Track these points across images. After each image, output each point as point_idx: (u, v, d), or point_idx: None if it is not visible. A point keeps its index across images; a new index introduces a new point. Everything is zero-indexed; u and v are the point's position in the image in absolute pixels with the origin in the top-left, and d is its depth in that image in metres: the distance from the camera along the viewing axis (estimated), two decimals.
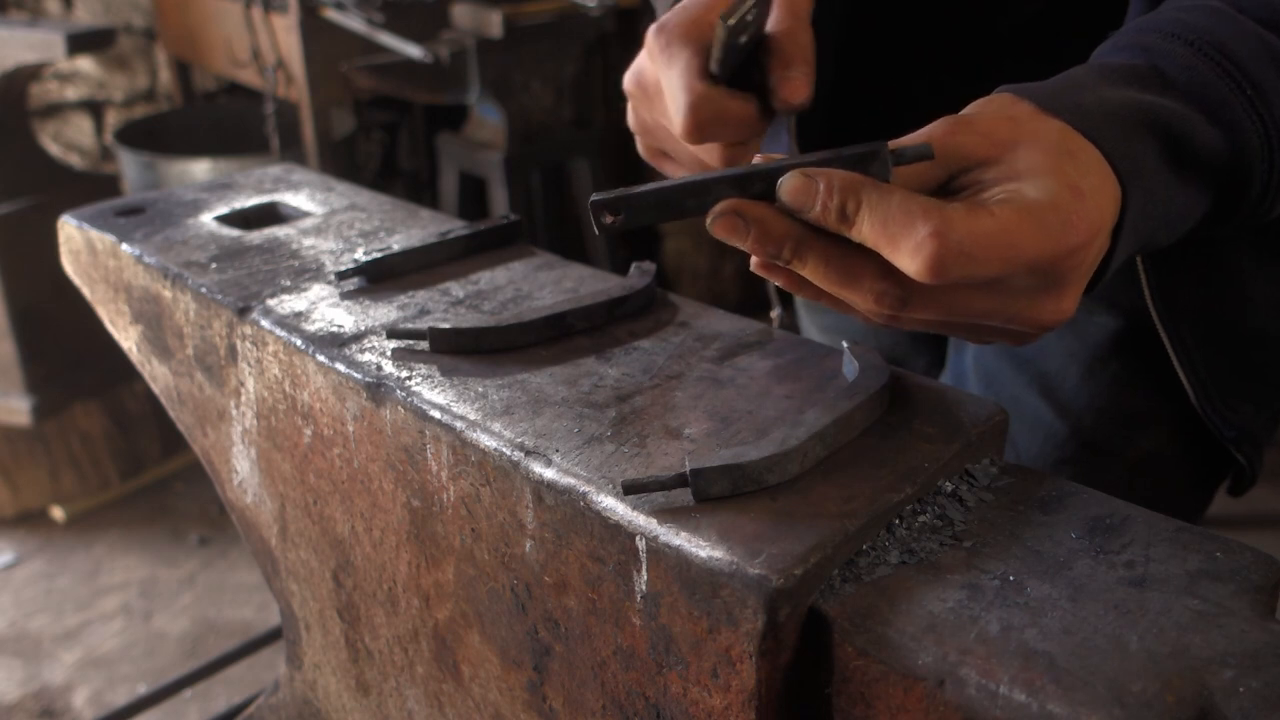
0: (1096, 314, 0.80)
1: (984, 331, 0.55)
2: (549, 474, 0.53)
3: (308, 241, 0.84)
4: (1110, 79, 0.55)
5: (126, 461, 2.59)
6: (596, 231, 0.54)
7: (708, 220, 0.52)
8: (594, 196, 0.53)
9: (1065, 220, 0.48)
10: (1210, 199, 0.56)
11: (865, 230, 0.49)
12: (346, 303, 0.73)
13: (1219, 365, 0.76)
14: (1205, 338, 0.75)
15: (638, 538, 0.49)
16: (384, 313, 0.72)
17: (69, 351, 2.38)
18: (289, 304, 0.73)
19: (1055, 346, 0.82)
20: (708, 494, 0.50)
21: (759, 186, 0.52)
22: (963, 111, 0.54)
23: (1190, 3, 0.58)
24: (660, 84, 0.60)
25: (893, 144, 0.51)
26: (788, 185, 0.50)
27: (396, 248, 0.78)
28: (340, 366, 0.65)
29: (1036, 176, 0.49)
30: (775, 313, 1.04)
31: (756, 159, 0.54)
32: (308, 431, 0.69)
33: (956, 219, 0.47)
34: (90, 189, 2.28)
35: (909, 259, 0.47)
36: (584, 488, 0.52)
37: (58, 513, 2.49)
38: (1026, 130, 0.51)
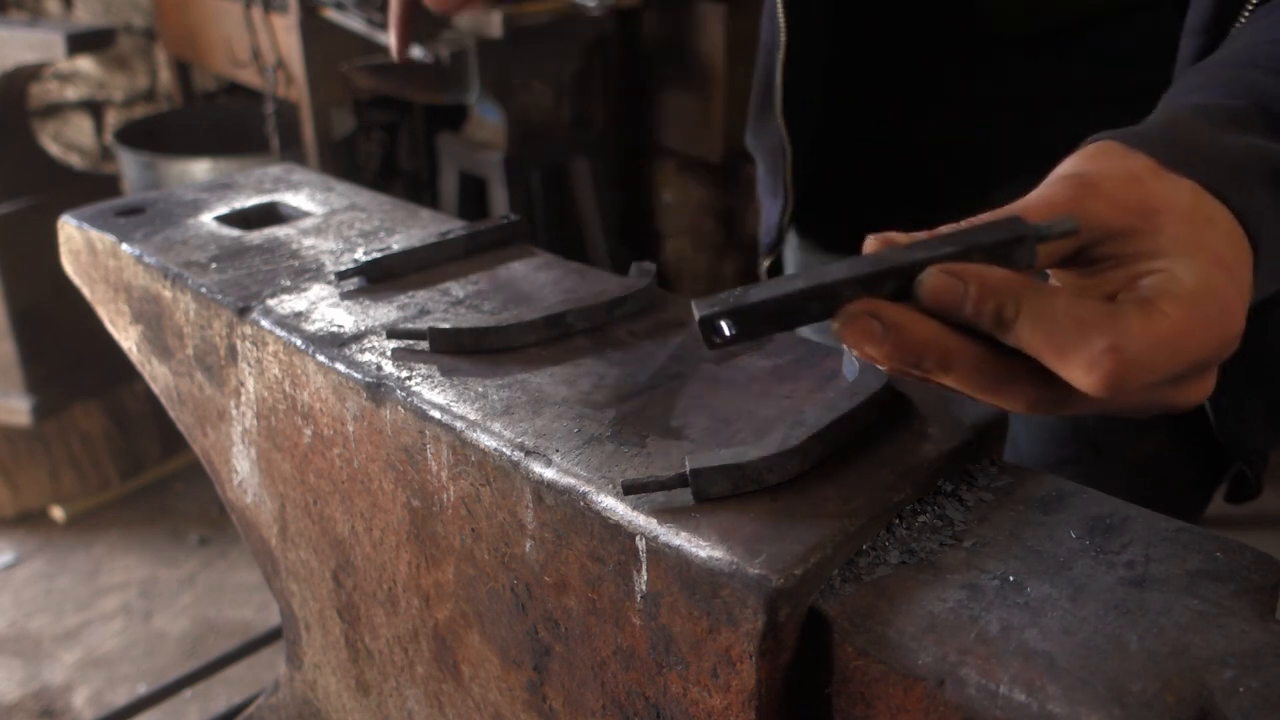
0: None
1: (1119, 413, 0.50)
2: (549, 474, 0.53)
3: (308, 241, 0.84)
4: (1218, 122, 0.51)
5: (126, 461, 2.59)
6: (708, 348, 0.48)
7: (834, 325, 0.46)
8: (702, 311, 0.47)
9: (1224, 307, 0.45)
10: None
11: (1026, 338, 0.44)
12: (346, 303, 0.73)
13: (1238, 385, 0.75)
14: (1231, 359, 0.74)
15: (638, 538, 0.49)
16: (384, 313, 0.72)
17: (69, 351, 2.38)
18: (289, 304, 0.73)
19: None
20: (708, 494, 0.50)
21: (892, 285, 0.46)
22: (1070, 168, 0.49)
23: (1277, 28, 0.54)
24: None
25: (1028, 215, 0.46)
26: (930, 285, 0.45)
27: (396, 248, 0.78)
28: (340, 366, 0.65)
29: (1185, 255, 0.45)
30: None
31: (880, 247, 0.48)
32: (308, 431, 0.69)
33: (1134, 328, 0.43)
34: (90, 189, 2.28)
35: (1082, 374, 0.43)
36: (584, 488, 0.52)
37: (58, 513, 2.49)
38: (1156, 194, 0.47)
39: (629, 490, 0.50)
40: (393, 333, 0.66)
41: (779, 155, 0.91)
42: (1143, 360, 0.43)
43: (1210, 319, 0.44)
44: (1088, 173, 0.48)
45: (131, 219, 0.88)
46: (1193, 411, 0.75)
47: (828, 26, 0.86)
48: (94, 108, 3.03)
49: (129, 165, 2.43)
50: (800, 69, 0.86)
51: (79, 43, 2.13)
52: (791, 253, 1.08)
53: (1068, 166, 0.50)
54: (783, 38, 0.85)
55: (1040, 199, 0.47)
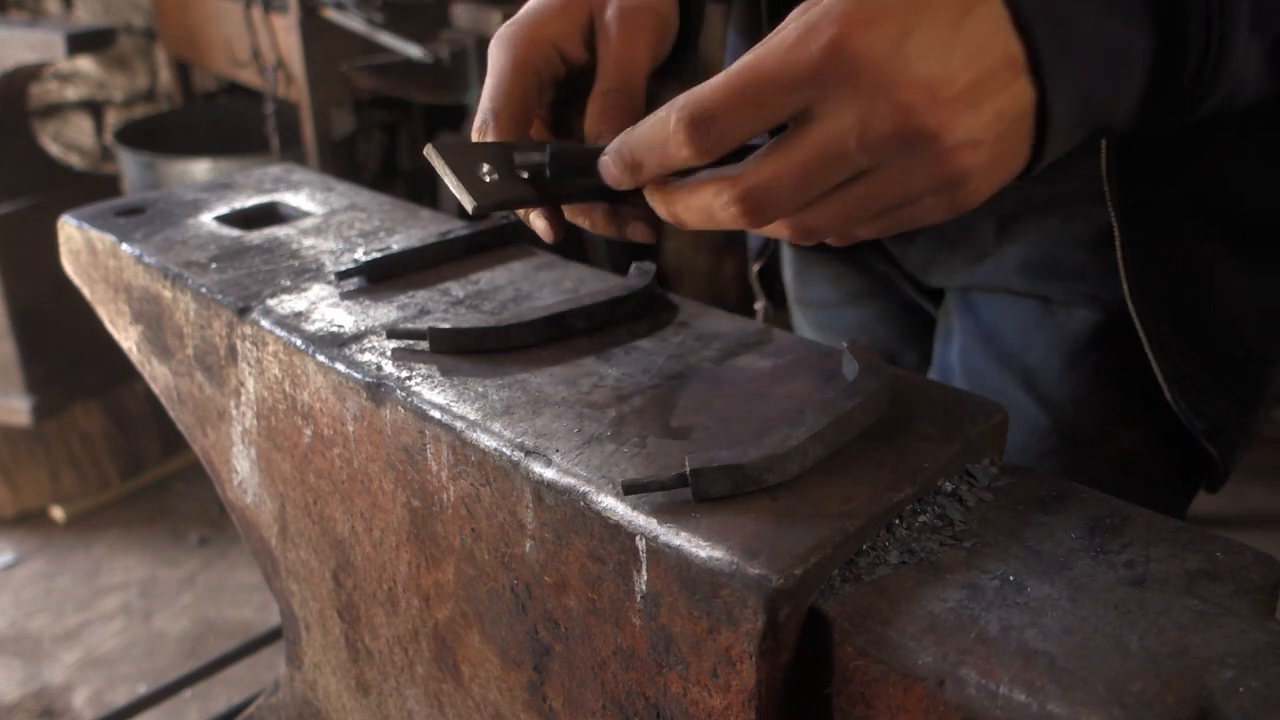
0: (1077, 308, 0.80)
1: (902, 217, 0.51)
2: (549, 474, 0.53)
3: (308, 241, 0.84)
4: None
5: (126, 461, 2.59)
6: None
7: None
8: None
9: (806, 24, 0.45)
10: (1149, 41, 0.49)
11: (646, 162, 0.51)
12: (346, 303, 0.73)
13: (1192, 357, 0.76)
14: (1180, 329, 0.75)
15: (638, 538, 0.49)
16: (384, 313, 0.72)
17: (69, 351, 2.38)
18: (289, 304, 0.73)
19: (1038, 341, 0.83)
20: (708, 494, 0.50)
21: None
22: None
23: None
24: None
25: (763, 61, 0.49)
26: (606, 174, 0.54)
27: (396, 248, 0.78)
28: (340, 366, 0.65)
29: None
30: (759, 304, 1.04)
31: None
32: (308, 431, 0.69)
33: (752, 163, 0.48)
34: (90, 189, 2.28)
35: (676, 149, 0.49)
36: (584, 488, 0.52)
37: (58, 513, 2.49)
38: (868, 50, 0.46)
39: (629, 490, 0.50)
40: (393, 333, 0.66)
41: None
42: (770, 184, 0.48)
43: (781, 41, 0.46)
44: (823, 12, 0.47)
45: (131, 219, 0.88)
46: (1163, 400, 0.76)
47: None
48: (94, 108, 3.03)
49: (129, 165, 2.43)
50: None
51: (79, 43, 2.13)
52: (786, 255, 1.08)
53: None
54: (764, 18, 0.85)
55: (778, 42, 0.47)
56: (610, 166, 0.53)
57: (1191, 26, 0.49)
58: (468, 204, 0.57)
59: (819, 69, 0.45)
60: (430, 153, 0.58)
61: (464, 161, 0.58)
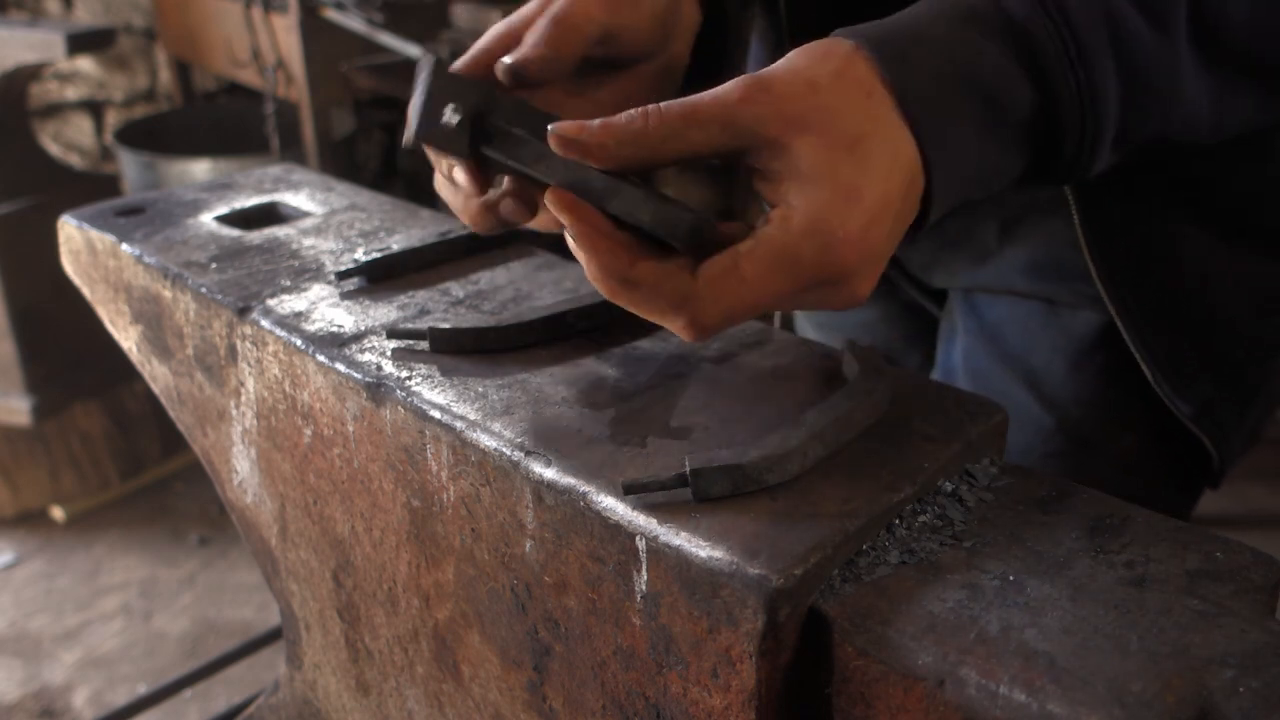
0: (1082, 310, 0.80)
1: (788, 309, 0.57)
2: (549, 474, 0.53)
3: (308, 241, 0.84)
4: (951, 20, 0.54)
5: (126, 461, 2.59)
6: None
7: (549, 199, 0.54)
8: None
9: (826, 243, 0.50)
10: (1027, 157, 0.56)
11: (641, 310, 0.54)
12: (346, 303, 0.73)
13: (1173, 341, 0.76)
14: (1156, 313, 0.75)
15: (638, 538, 0.49)
16: (384, 313, 0.72)
17: (69, 351, 2.38)
18: (289, 304, 0.73)
19: (1042, 342, 0.82)
20: (708, 494, 0.50)
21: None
22: (775, 64, 0.53)
23: None
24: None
25: (699, 110, 0.51)
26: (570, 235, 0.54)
27: (396, 248, 0.78)
28: (340, 366, 0.65)
29: (809, 184, 0.50)
30: None
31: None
32: (308, 431, 0.69)
33: (705, 304, 0.51)
34: (90, 189, 2.28)
35: (679, 333, 0.53)
36: (584, 488, 0.52)
37: (58, 513, 2.49)
38: (820, 106, 0.51)
39: (629, 490, 0.50)
40: (393, 333, 0.66)
41: None
42: (717, 324, 0.52)
43: (801, 264, 0.50)
44: (771, 74, 0.52)
45: (131, 219, 0.88)
46: (1169, 404, 0.76)
47: (826, 29, 0.87)
48: (94, 108, 3.03)
49: (129, 165, 2.43)
50: None
51: (79, 43, 2.13)
52: None
53: (775, 64, 0.53)
54: (787, 40, 0.85)
55: (714, 96, 0.51)
56: (607, 285, 0.54)
57: (1064, 155, 0.56)
58: (408, 136, 0.58)
59: (810, 284, 0.52)
60: (423, 60, 0.58)
61: (444, 87, 0.58)
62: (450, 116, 0.58)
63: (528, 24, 0.64)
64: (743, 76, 0.52)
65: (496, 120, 0.58)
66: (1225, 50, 0.56)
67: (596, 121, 0.52)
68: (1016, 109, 0.54)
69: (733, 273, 0.51)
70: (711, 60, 0.74)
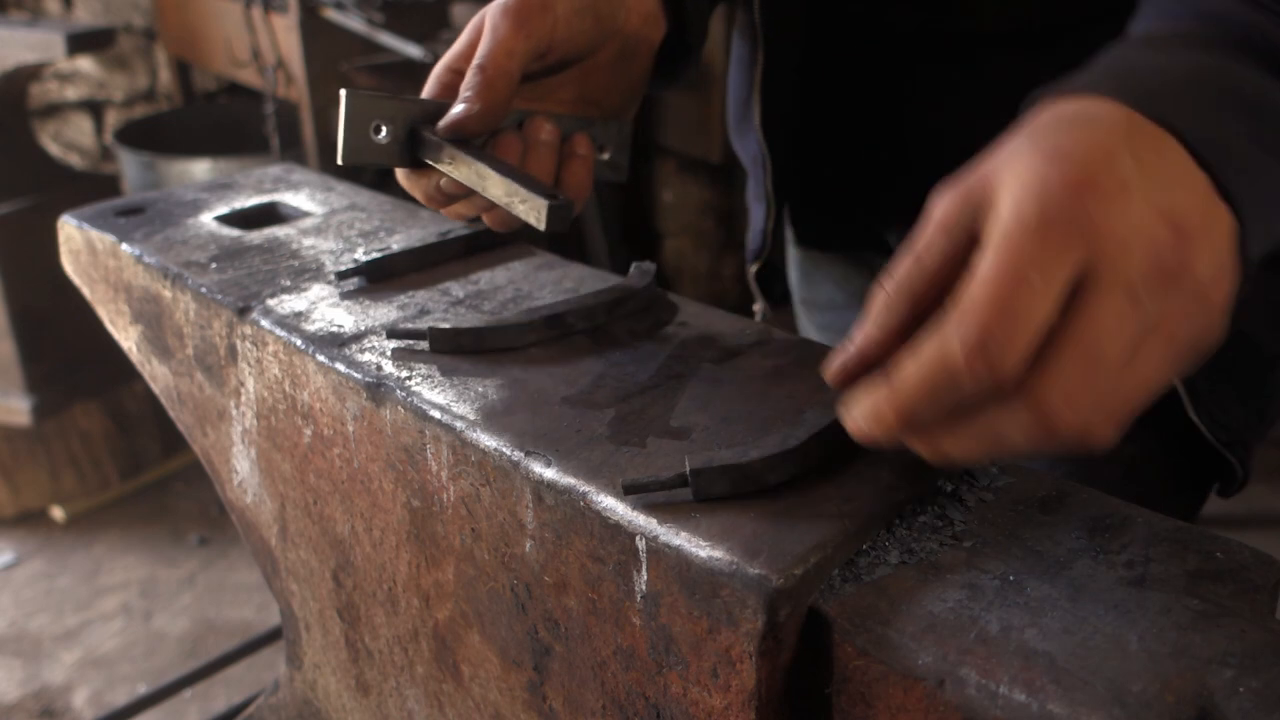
0: None
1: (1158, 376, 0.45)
2: (549, 474, 0.53)
3: (308, 241, 0.84)
4: (1162, 48, 0.48)
5: (126, 461, 2.59)
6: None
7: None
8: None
9: (1044, 202, 0.41)
10: None
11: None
12: (346, 303, 0.73)
13: (1209, 368, 0.76)
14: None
15: (638, 538, 0.49)
16: (384, 313, 0.72)
17: (69, 351, 2.38)
18: (289, 304, 0.73)
19: None
20: (708, 494, 0.50)
21: None
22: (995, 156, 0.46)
23: None
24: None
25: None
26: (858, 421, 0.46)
27: (396, 248, 0.78)
28: (340, 366, 0.65)
29: (1008, 175, 0.43)
30: (758, 306, 1.04)
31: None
32: (308, 431, 0.69)
33: (906, 375, 0.43)
34: (90, 189, 2.28)
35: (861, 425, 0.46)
36: (584, 488, 0.52)
37: (58, 513, 2.49)
38: (1013, 147, 0.44)
39: (629, 490, 0.50)
40: (393, 333, 0.66)
41: (759, 165, 0.91)
42: (908, 407, 0.43)
43: (1039, 237, 0.41)
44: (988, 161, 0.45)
45: (131, 219, 0.88)
46: (1175, 406, 0.75)
47: (802, 36, 0.87)
48: (94, 108, 3.03)
49: (129, 165, 2.43)
50: (777, 81, 0.86)
51: (79, 43, 2.13)
52: (791, 255, 1.08)
53: (1007, 148, 0.45)
54: (760, 52, 0.85)
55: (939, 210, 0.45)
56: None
57: None
58: (339, 156, 0.63)
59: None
60: (342, 96, 0.63)
61: (364, 112, 0.63)
62: (382, 135, 0.63)
63: (466, 59, 0.66)
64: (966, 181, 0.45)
65: (431, 133, 0.63)
66: None
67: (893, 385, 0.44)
68: None
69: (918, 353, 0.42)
70: (679, 30, 0.74)
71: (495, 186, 0.60)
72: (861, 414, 0.45)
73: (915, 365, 0.42)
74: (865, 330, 0.46)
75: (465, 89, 0.63)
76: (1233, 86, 0.47)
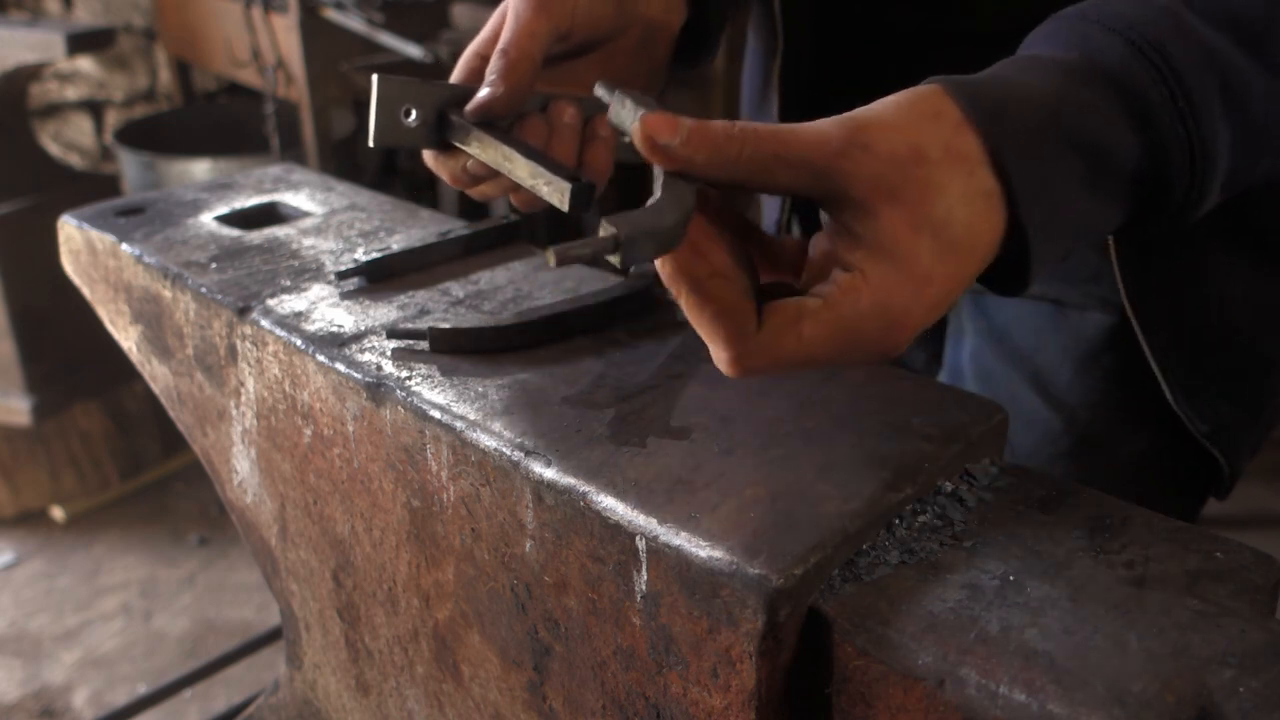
0: (1090, 311, 0.80)
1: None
2: (549, 474, 0.53)
3: (308, 241, 0.84)
4: (1042, 74, 0.52)
5: (126, 461, 2.59)
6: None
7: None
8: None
9: (888, 326, 0.49)
10: (1129, 209, 0.54)
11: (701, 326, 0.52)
12: (346, 303, 0.73)
13: (1194, 360, 0.76)
14: (1179, 332, 0.75)
15: (638, 538, 0.49)
16: (384, 313, 0.72)
17: (69, 351, 2.38)
18: (289, 304, 0.73)
19: (1050, 343, 0.82)
20: (635, 259, 0.48)
21: None
22: (880, 114, 0.50)
23: None
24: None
25: (798, 140, 0.49)
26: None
27: (396, 248, 0.78)
28: (340, 366, 0.65)
29: (890, 260, 0.48)
30: None
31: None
32: (308, 431, 0.69)
33: (760, 346, 0.49)
34: (90, 189, 2.28)
35: (718, 361, 0.51)
36: (584, 488, 0.52)
37: (58, 513, 2.49)
38: (918, 180, 0.48)
39: (561, 260, 0.47)
40: (393, 333, 0.66)
41: None
42: (761, 370, 0.49)
43: (852, 340, 0.49)
44: (875, 131, 0.49)
45: (131, 219, 0.88)
46: (1187, 422, 0.76)
47: (820, 27, 0.87)
48: (94, 108, 3.03)
49: (129, 165, 2.43)
50: (795, 72, 0.87)
51: (79, 43, 2.13)
52: None
53: (876, 110, 0.50)
54: (780, 43, 0.85)
55: (812, 140, 0.49)
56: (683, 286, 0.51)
57: (1171, 204, 0.53)
58: (370, 138, 0.64)
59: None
60: (373, 80, 0.63)
61: (395, 96, 0.64)
62: (411, 118, 0.64)
63: (492, 44, 0.67)
64: (844, 121, 0.49)
65: (458, 116, 0.64)
66: None
67: (688, 125, 0.49)
68: (1122, 161, 0.51)
69: (792, 329, 0.49)
70: (699, 16, 0.75)
71: (520, 168, 0.62)
72: (717, 359, 0.51)
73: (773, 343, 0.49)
74: (698, 145, 0.49)
75: (490, 72, 0.64)
76: (1077, 131, 0.51)
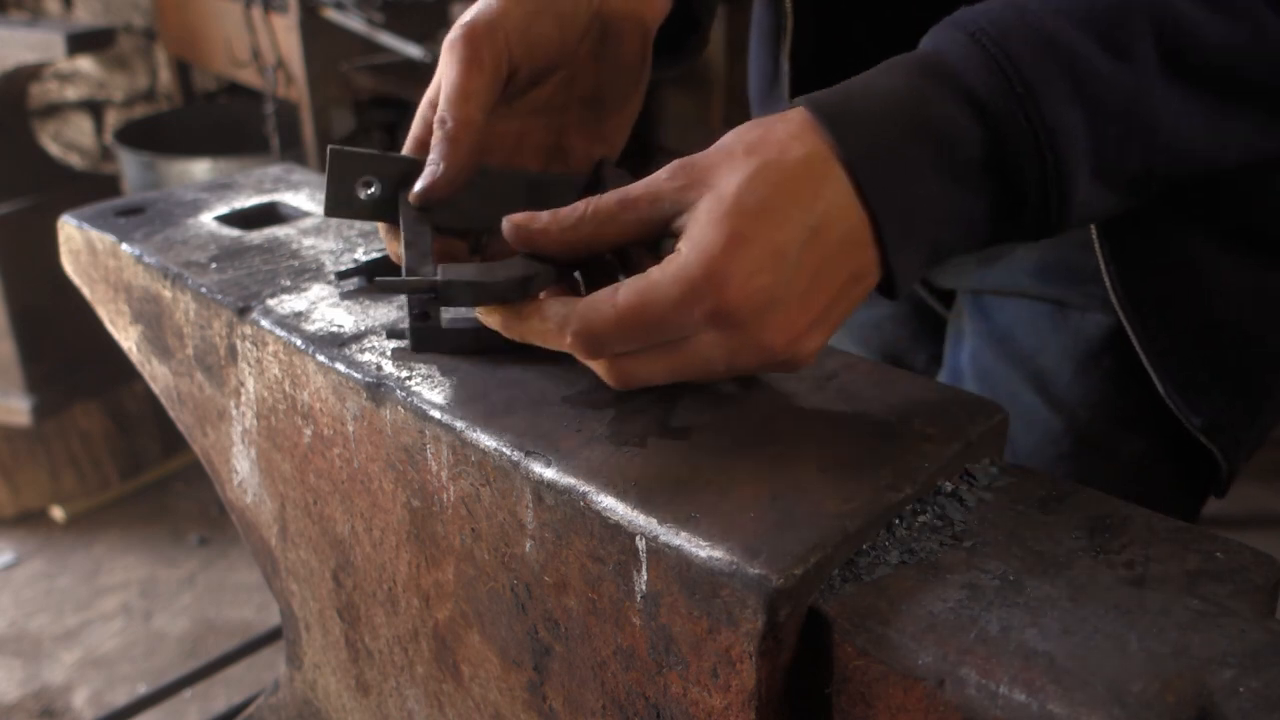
0: (1091, 312, 0.80)
1: (727, 373, 0.57)
2: (549, 474, 0.53)
3: (308, 241, 0.84)
4: (890, 73, 0.55)
5: (126, 461, 2.59)
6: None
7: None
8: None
9: (696, 284, 0.51)
10: (987, 201, 0.55)
11: (528, 335, 0.58)
12: (346, 303, 0.73)
13: (1185, 354, 0.76)
14: (1169, 326, 0.75)
15: (638, 538, 0.49)
16: (384, 313, 0.72)
17: (69, 351, 2.38)
18: (289, 304, 0.73)
19: (1051, 343, 0.82)
20: (452, 301, 0.59)
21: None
22: (703, 155, 0.55)
23: None
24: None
25: (635, 197, 0.55)
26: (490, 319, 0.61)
27: None
28: (340, 366, 0.65)
29: (700, 227, 0.52)
30: None
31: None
32: (308, 431, 0.69)
33: (589, 314, 0.53)
34: (90, 189, 2.28)
35: (564, 347, 0.56)
36: (584, 488, 0.52)
37: (58, 513, 2.49)
38: (726, 165, 0.53)
39: (382, 289, 0.53)
40: (393, 333, 0.66)
41: None
42: (603, 340, 0.54)
43: (667, 300, 0.51)
44: (701, 152, 0.55)
45: (131, 219, 0.88)
46: (1180, 416, 0.76)
47: (827, 5, 0.87)
48: (94, 108, 3.03)
49: (129, 165, 2.43)
50: (804, 51, 0.86)
51: (79, 43, 2.13)
52: None
53: (719, 146, 0.55)
54: (789, 21, 0.85)
55: (645, 180, 0.55)
56: (499, 317, 0.59)
57: (1029, 191, 0.54)
58: (324, 208, 0.65)
59: (699, 323, 0.52)
60: (328, 152, 0.64)
61: (348, 168, 0.64)
62: (368, 191, 0.64)
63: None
64: (672, 170, 0.55)
65: (405, 198, 0.64)
66: (1205, 74, 0.55)
67: (545, 214, 0.57)
68: (968, 149, 0.53)
69: (608, 299, 0.53)
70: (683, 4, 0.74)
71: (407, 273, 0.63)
72: (549, 324, 0.56)
73: (613, 306, 0.53)
74: (554, 223, 0.56)
75: (432, 148, 0.63)
76: (923, 121, 0.53)
